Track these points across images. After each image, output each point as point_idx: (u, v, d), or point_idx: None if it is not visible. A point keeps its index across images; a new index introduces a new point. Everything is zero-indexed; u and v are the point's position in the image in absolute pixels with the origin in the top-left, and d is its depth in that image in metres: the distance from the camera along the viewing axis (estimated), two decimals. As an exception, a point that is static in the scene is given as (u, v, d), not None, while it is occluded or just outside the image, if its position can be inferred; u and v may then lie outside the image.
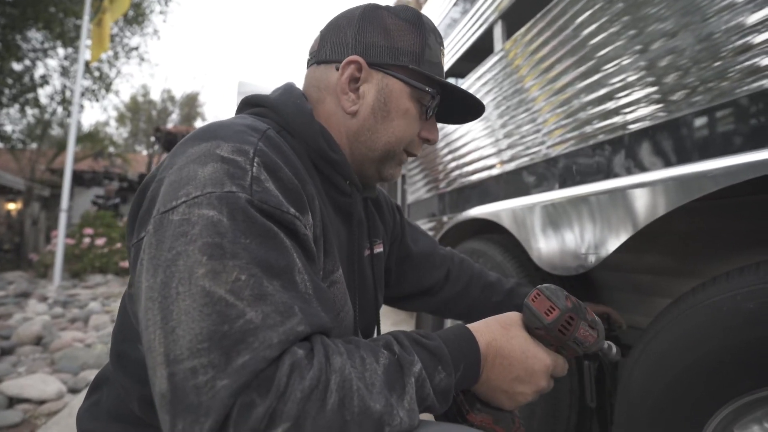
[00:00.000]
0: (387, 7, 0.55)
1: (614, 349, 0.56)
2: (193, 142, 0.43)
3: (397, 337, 0.43)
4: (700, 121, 0.70)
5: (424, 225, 2.00)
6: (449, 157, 1.75)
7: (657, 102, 0.77)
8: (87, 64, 5.88)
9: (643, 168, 0.81)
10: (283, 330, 0.35)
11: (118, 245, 5.22)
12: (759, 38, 0.60)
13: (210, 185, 0.38)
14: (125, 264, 4.94)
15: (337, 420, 0.33)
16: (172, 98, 14.57)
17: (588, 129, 0.94)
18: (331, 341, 0.38)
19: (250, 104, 0.57)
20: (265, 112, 0.54)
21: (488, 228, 1.26)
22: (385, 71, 0.53)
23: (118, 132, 16.56)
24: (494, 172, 1.37)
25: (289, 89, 0.56)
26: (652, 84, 0.78)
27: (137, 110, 15.42)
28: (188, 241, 0.35)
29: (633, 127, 0.82)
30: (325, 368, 0.35)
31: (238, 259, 0.35)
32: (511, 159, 1.26)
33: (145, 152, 14.69)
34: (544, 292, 0.49)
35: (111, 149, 10.76)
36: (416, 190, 2.17)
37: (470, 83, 1.59)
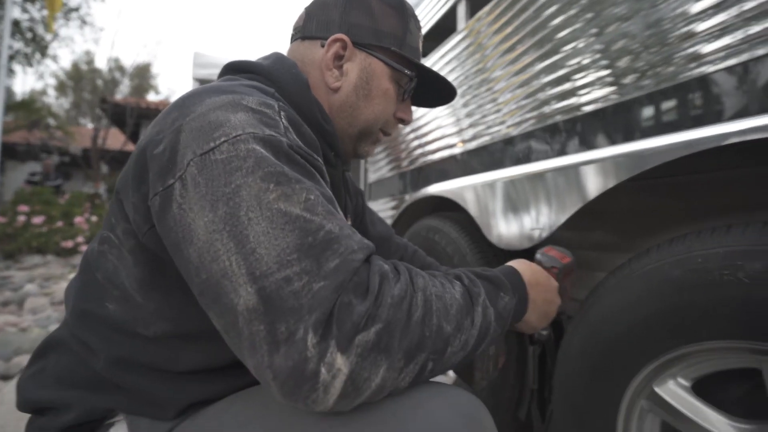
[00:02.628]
0: None
1: (548, 329, 0.69)
2: (209, 94, 0.42)
3: (463, 271, 0.48)
4: (647, 104, 0.73)
5: (387, 203, 2.00)
6: (411, 135, 1.74)
7: (609, 84, 0.80)
8: (17, 23, 5.29)
9: (585, 148, 0.84)
10: (359, 239, 0.39)
11: (60, 224, 4.84)
12: (701, 26, 0.63)
13: (249, 127, 0.39)
14: (68, 244, 4.59)
15: (417, 332, 0.37)
16: (121, 68, 13.47)
17: (542, 110, 0.96)
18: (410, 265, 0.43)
19: (238, 70, 0.55)
20: (258, 79, 0.53)
21: (446, 205, 1.28)
22: (368, 51, 0.56)
23: (58, 102, 15.17)
24: (452, 150, 1.38)
25: (281, 58, 0.56)
26: (605, 67, 0.81)
27: (80, 79, 14.14)
28: (245, 173, 0.37)
29: (587, 108, 0.85)
30: (410, 285, 0.39)
31: (302, 183, 0.38)
32: (468, 138, 1.27)
33: (90, 125, 13.57)
34: (556, 247, 0.65)
35: (50, 121, 9.84)
36: (378, 169, 2.15)
37: (433, 61, 1.58)
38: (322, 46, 0.56)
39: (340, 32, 0.55)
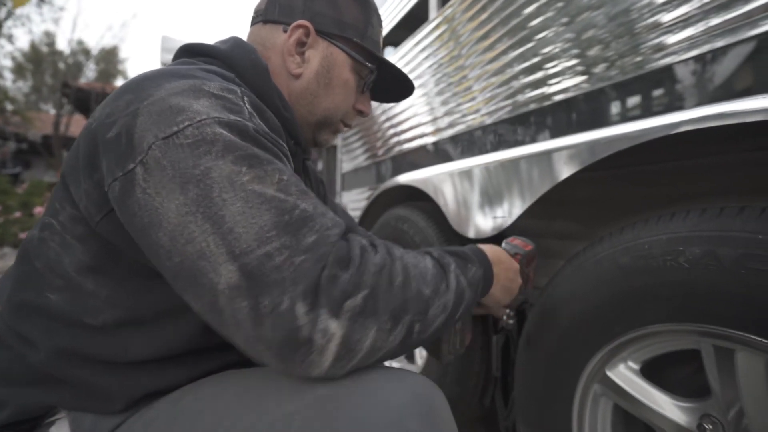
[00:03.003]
0: None
1: (514, 318, 0.71)
2: (167, 78, 0.41)
3: (431, 249, 0.50)
4: (612, 94, 0.74)
5: (361, 194, 1.99)
6: (386, 125, 1.73)
7: (579, 74, 0.81)
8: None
9: (548, 137, 0.85)
10: (332, 217, 0.40)
11: (18, 214, 4.59)
12: (667, 17, 0.63)
13: (214, 112, 0.39)
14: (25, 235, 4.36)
15: (400, 296, 0.39)
16: (86, 51, 12.80)
17: (504, 103, 0.97)
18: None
19: (194, 52, 0.53)
20: (216, 64, 0.51)
21: (417, 195, 1.28)
22: (330, 41, 0.56)
23: (15, 86, 14.28)
24: (420, 141, 1.38)
25: (240, 43, 0.55)
26: (575, 56, 0.81)
27: (40, 62, 13.35)
28: (215, 157, 0.36)
29: (557, 98, 0.86)
30: (388, 255, 0.41)
31: (273, 164, 0.39)
32: (434, 128, 1.27)
33: (52, 111, 12.85)
34: (519, 237, 0.69)
35: (7, 105, 9.26)
36: (353, 159, 2.13)
37: (405, 51, 1.56)
38: (285, 31, 0.56)
39: (304, 19, 0.55)
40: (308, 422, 0.35)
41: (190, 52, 0.53)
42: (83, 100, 8.61)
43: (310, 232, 0.37)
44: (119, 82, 15.52)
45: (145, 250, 0.39)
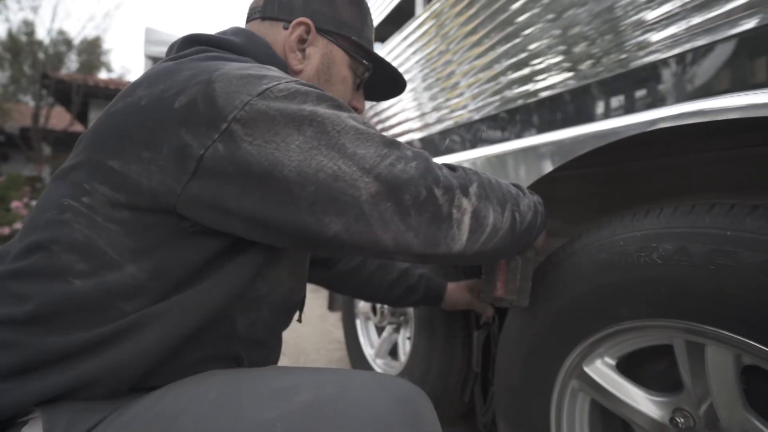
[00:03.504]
0: None
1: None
2: (224, 61, 0.45)
3: None
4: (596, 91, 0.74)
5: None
6: (374, 120, 1.72)
7: (565, 71, 0.81)
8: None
9: (534, 134, 0.85)
10: None
11: (-7, 209, 4.45)
12: (651, 14, 0.63)
13: (291, 77, 0.44)
14: (3, 230, 4.24)
15: (498, 190, 0.50)
16: (67, 41, 12.45)
17: (491, 98, 0.97)
18: None
19: (206, 43, 0.52)
20: (232, 58, 0.51)
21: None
22: (329, 38, 0.59)
23: (-8, 76, 13.79)
24: (408, 137, 1.37)
25: (252, 37, 0.56)
26: (561, 53, 0.81)
27: (19, 51, 12.92)
28: (313, 104, 0.42)
29: (544, 94, 0.86)
30: (471, 169, 0.50)
31: (353, 111, 0.45)
32: (423, 124, 1.27)
33: (31, 102, 12.47)
34: None
35: (-17, 96, 8.94)
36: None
37: (392, 46, 1.55)
38: (285, 28, 0.57)
39: (304, 16, 0.57)
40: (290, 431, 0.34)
41: (201, 42, 0.52)
42: (64, 92, 8.37)
43: (406, 148, 0.44)
44: (102, 74, 15.12)
45: (263, 198, 0.41)
